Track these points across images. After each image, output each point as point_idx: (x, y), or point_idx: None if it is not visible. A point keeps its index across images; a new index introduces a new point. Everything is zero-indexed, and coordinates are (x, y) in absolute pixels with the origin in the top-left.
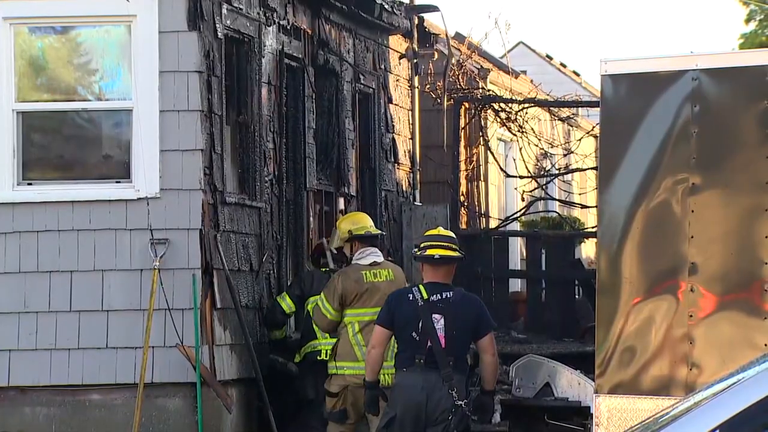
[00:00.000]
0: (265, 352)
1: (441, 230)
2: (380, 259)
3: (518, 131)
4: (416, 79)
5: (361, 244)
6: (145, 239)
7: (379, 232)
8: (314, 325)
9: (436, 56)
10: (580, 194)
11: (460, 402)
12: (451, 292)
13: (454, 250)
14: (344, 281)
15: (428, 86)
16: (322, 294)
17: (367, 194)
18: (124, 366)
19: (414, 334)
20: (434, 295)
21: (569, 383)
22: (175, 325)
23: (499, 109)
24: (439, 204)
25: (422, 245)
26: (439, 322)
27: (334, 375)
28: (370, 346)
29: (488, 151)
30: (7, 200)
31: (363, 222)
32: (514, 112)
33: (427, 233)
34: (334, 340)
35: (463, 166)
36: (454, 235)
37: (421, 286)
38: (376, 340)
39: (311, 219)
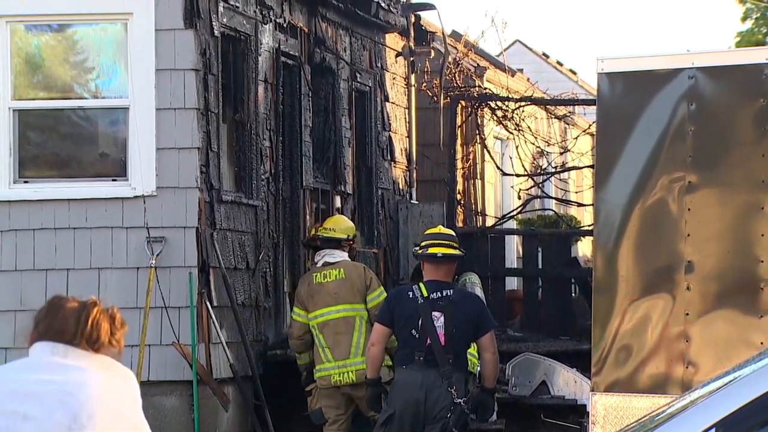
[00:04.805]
0: (260, 350)
1: (441, 228)
2: (334, 259)
3: (515, 129)
4: (413, 77)
5: (321, 245)
6: (141, 237)
7: (339, 236)
8: None
9: (432, 54)
10: (576, 192)
11: (459, 400)
12: (451, 291)
13: (455, 248)
14: (300, 285)
15: (425, 84)
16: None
17: (363, 192)
18: None
19: (413, 331)
20: (434, 293)
21: (566, 381)
22: (172, 323)
23: (496, 108)
24: (436, 202)
25: (423, 243)
26: (438, 320)
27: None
28: (370, 344)
29: (485, 150)
30: (3, 198)
31: (326, 224)
32: (510, 111)
33: (428, 231)
34: None
35: (459, 164)
36: (454, 234)
37: (421, 284)
38: (375, 337)
39: (308, 217)
